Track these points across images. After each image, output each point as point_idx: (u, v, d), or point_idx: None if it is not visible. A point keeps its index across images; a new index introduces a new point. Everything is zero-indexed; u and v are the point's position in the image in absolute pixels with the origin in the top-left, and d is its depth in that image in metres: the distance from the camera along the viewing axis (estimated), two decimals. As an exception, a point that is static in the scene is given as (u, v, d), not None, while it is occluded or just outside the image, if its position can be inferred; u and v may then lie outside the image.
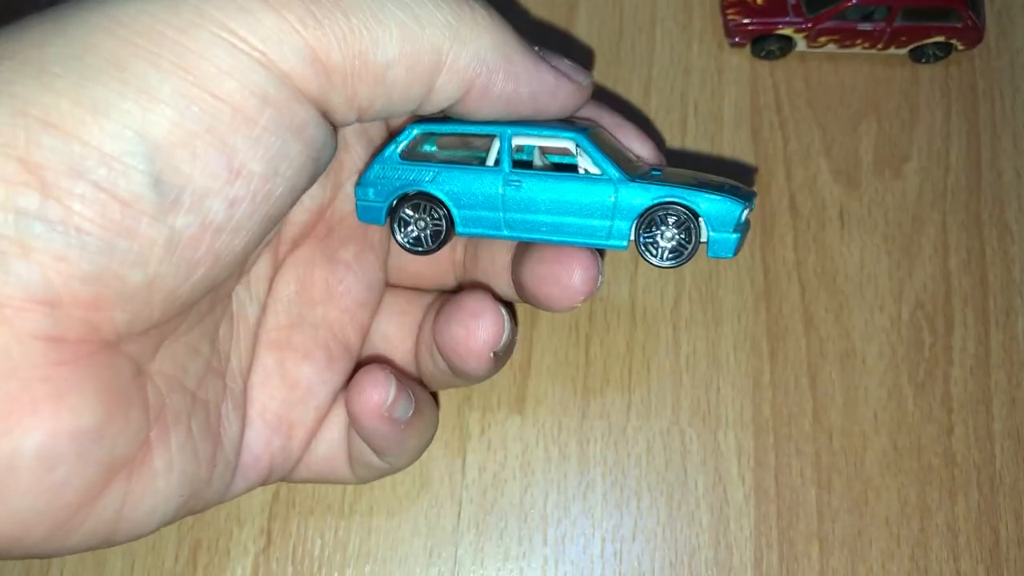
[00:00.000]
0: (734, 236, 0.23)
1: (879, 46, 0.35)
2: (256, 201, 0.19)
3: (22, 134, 0.17)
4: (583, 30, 0.36)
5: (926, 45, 0.34)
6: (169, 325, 0.21)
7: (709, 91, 0.35)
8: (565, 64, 0.23)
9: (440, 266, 0.28)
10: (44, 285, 0.17)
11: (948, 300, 0.33)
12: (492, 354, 0.24)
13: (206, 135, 0.18)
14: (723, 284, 0.33)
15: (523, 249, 0.25)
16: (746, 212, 0.23)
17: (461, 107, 0.22)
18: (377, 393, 0.24)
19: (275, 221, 0.20)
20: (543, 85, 0.22)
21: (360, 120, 0.21)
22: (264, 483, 0.26)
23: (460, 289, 0.28)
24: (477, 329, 0.24)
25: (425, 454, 0.30)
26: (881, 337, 0.33)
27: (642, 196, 0.23)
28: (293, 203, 0.21)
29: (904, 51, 0.35)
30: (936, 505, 0.31)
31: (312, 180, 0.21)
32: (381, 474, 0.27)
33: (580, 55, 0.36)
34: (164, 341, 0.21)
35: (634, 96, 0.35)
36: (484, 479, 0.31)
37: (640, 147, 0.26)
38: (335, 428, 0.26)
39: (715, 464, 0.31)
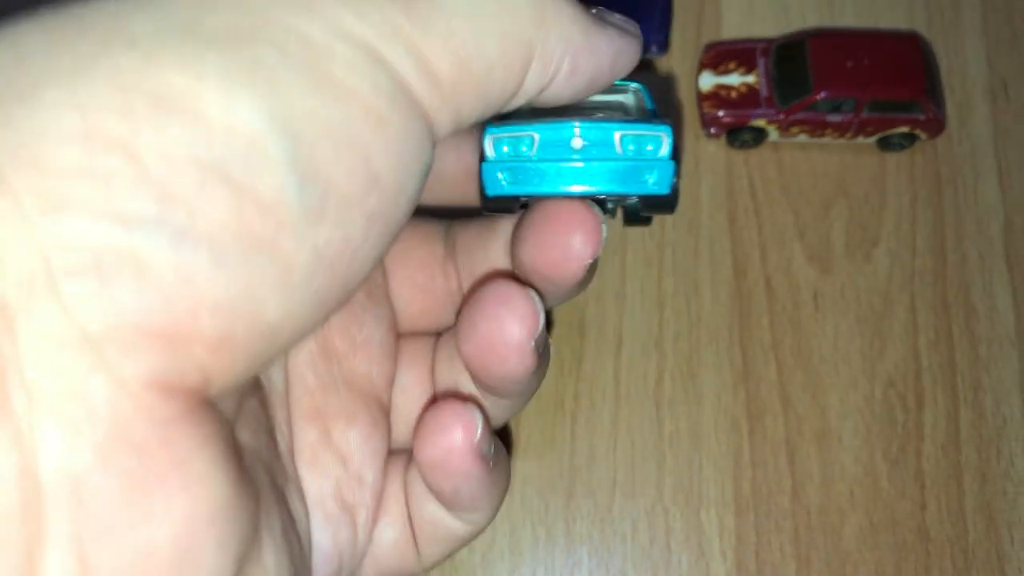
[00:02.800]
0: None
1: (848, 136, 0.37)
2: (386, 219, 0.15)
3: (125, 114, 0.12)
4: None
5: (892, 135, 0.36)
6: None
7: (687, 178, 0.37)
8: (616, 18, 0.20)
9: (437, 299, 0.25)
10: (164, 313, 0.12)
11: (918, 378, 0.34)
12: (532, 346, 0.20)
13: (344, 129, 0.14)
14: (703, 364, 0.34)
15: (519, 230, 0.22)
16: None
17: (540, 97, 0.19)
18: (466, 426, 0.20)
19: (384, 251, 0.16)
20: (617, 50, 0.19)
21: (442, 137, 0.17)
22: None
23: None
24: (507, 317, 0.19)
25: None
26: (855, 415, 0.34)
27: None
28: (398, 234, 0.16)
29: (872, 140, 0.37)
30: (912, 580, 0.32)
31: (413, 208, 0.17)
32: (453, 546, 0.23)
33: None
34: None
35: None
36: (473, 559, 0.32)
37: None
38: (394, 506, 0.22)
39: (698, 541, 0.32)
